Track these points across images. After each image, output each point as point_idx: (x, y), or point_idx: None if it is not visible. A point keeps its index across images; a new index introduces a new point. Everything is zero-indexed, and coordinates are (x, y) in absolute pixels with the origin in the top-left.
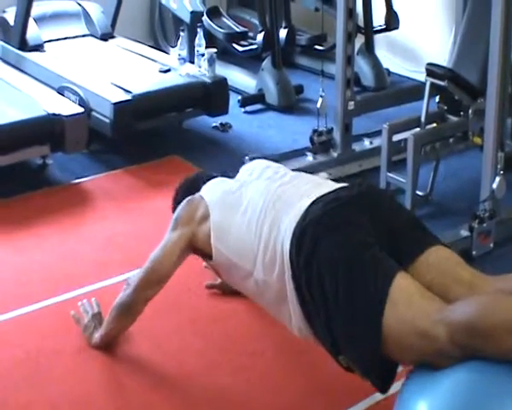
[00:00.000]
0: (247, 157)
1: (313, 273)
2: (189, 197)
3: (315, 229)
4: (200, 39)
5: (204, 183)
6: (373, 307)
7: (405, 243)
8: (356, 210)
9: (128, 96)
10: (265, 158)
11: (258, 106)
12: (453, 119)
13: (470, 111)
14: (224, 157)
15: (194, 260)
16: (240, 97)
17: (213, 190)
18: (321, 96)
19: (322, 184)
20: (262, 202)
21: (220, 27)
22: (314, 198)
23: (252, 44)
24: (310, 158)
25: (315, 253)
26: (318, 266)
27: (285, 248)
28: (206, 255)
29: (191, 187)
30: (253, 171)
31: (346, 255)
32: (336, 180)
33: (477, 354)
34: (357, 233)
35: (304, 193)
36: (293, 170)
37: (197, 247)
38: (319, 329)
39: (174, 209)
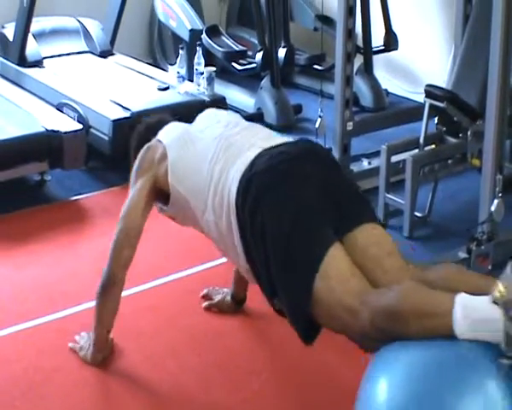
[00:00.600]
0: None
1: (257, 222)
2: (147, 145)
3: (260, 181)
4: (199, 58)
5: (160, 128)
6: (307, 271)
7: (346, 210)
8: (303, 165)
9: (127, 114)
10: None
11: None
12: (452, 140)
13: (469, 133)
14: None
15: (192, 281)
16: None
17: (170, 132)
18: (319, 116)
19: (271, 138)
20: (215, 146)
21: (219, 46)
22: (260, 150)
23: (251, 63)
24: None
25: (259, 204)
26: (262, 217)
27: (231, 195)
28: (165, 199)
29: (146, 135)
30: (210, 117)
31: (289, 212)
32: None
33: (394, 338)
34: (301, 191)
35: (253, 144)
36: None
37: (158, 188)
38: (259, 273)
39: (134, 157)
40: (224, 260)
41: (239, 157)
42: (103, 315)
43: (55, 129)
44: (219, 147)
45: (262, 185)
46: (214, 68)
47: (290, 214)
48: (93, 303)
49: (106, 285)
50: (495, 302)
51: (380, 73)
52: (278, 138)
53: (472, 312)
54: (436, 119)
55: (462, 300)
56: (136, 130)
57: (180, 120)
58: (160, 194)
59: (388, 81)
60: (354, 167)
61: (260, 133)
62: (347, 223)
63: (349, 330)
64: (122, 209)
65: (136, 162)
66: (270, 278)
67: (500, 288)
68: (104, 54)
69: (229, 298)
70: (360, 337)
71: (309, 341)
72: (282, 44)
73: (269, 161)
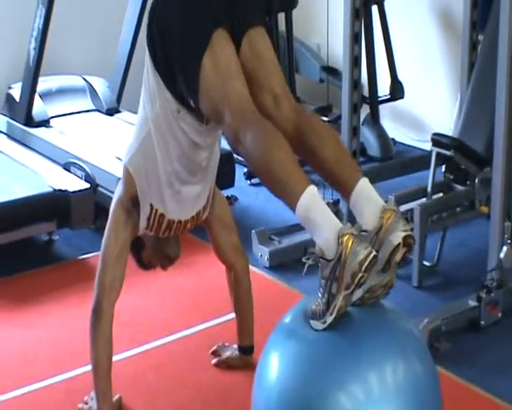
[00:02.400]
0: (253, 231)
1: (156, 13)
2: None
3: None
4: None
5: None
6: (197, 40)
7: (242, 10)
8: None
9: None
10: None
11: None
12: (460, 188)
13: (477, 180)
14: None
15: (201, 337)
16: (245, 170)
17: None
18: None
19: None
20: None
21: None
22: None
23: None
24: None
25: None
26: (162, 2)
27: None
28: (135, 199)
29: None
30: None
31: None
32: None
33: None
34: None
35: None
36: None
37: (128, 199)
38: (166, 75)
39: None
40: (232, 315)
41: None
42: (97, 359)
43: (63, 189)
44: None
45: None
46: None
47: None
48: None
49: (93, 319)
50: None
51: (386, 122)
52: None
53: (311, 211)
54: (443, 167)
55: (310, 194)
56: None
57: None
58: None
59: (395, 130)
60: None
61: None
62: (240, 24)
63: (219, 120)
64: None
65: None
66: (171, 68)
67: (347, 243)
68: (111, 111)
69: (237, 352)
70: (223, 128)
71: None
72: None
73: None
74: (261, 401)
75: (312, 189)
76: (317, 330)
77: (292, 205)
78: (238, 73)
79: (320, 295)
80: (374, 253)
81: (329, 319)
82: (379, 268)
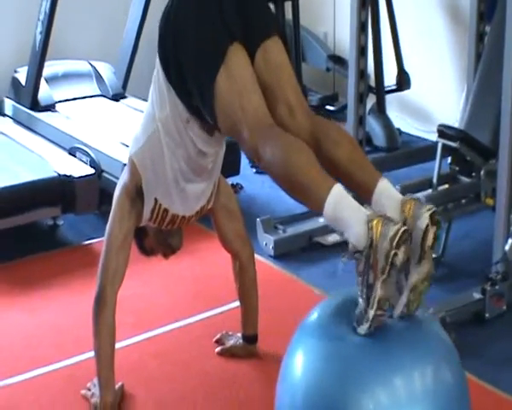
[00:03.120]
0: (258, 219)
1: (169, 25)
2: None
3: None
4: None
5: None
6: (212, 57)
7: (256, 22)
8: None
9: None
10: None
11: None
12: (465, 180)
13: (482, 172)
14: None
15: (204, 325)
16: None
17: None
18: None
19: None
20: None
21: None
22: None
23: None
24: (321, 220)
25: (171, 5)
26: (175, 14)
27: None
28: (140, 189)
29: None
30: None
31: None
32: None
33: None
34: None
35: None
36: (305, 231)
37: (133, 187)
38: (180, 89)
39: None
40: (236, 304)
41: None
42: (100, 346)
43: (68, 174)
44: None
45: (172, 5)
46: None
47: (196, 6)
48: None
49: (96, 307)
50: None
51: (392, 112)
52: None
53: (339, 210)
54: (449, 158)
55: (336, 193)
56: None
57: None
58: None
59: (401, 120)
60: (368, 208)
61: None
62: (255, 36)
63: (237, 136)
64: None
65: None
66: (185, 81)
67: (376, 228)
68: (116, 97)
69: (241, 341)
70: (242, 146)
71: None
72: None
73: None
74: (286, 398)
75: (337, 188)
76: (364, 335)
77: (319, 208)
78: (254, 87)
79: (359, 294)
80: (404, 227)
81: (371, 314)
82: (415, 261)
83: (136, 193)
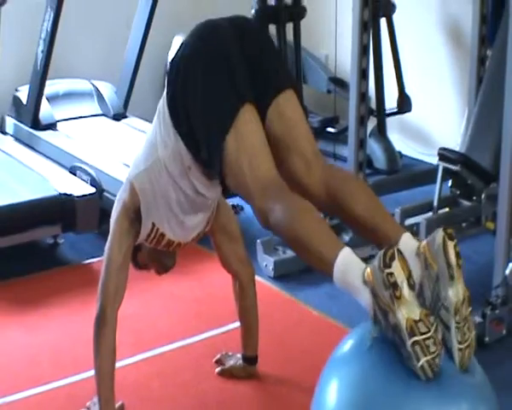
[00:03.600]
0: (258, 241)
1: (179, 77)
2: None
3: (183, 50)
4: None
5: None
6: (222, 119)
7: (266, 78)
8: (226, 29)
9: None
10: None
11: None
12: (466, 203)
13: (483, 196)
14: None
15: (204, 346)
16: None
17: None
18: None
19: None
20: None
21: None
22: None
23: None
24: None
25: (181, 57)
26: (184, 68)
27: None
28: (138, 211)
29: None
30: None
31: (206, 59)
32: None
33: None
34: (221, 45)
35: None
36: None
37: (132, 208)
38: (187, 138)
39: None
40: (236, 324)
41: None
42: (101, 366)
43: (68, 193)
44: None
45: (182, 57)
46: None
47: (205, 64)
48: None
49: (96, 327)
50: (365, 282)
51: (393, 135)
52: None
53: (348, 275)
54: (450, 182)
55: (344, 258)
56: None
57: None
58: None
59: (402, 143)
60: None
61: None
62: (267, 91)
63: (247, 199)
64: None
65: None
66: (193, 133)
67: (369, 277)
68: (117, 117)
69: (241, 362)
70: (252, 210)
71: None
72: None
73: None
74: None
75: (346, 252)
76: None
77: (329, 273)
78: (264, 151)
79: (397, 347)
80: (387, 248)
81: (408, 347)
82: (446, 282)
83: (134, 213)
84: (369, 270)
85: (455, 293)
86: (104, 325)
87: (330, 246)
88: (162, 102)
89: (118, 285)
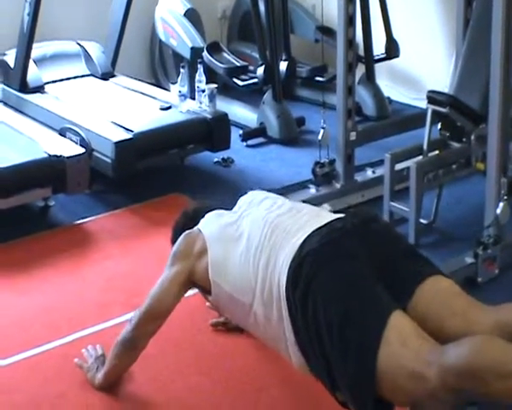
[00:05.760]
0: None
1: (309, 308)
2: (187, 231)
3: (311, 262)
4: (200, 75)
5: (202, 216)
6: (367, 347)
7: (403, 274)
8: (352, 242)
9: (129, 135)
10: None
11: (260, 139)
12: (455, 145)
13: (472, 137)
14: (227, 193)
15: (197, 298)
16: (241, 132)
17: (211, 223)
18: (322, 128)
19: (320, 215)
20: (259, 235)
21: (220, 62)
22: (310, 231)
23: (252, 78)
24: (313, 190)
25: (311, 287)
26: (314, 301)
27: (281, 282)
28: (206, 290)
29: (189, 220)
30: (252, 202)
31: (341, 290)
32: (340, 211)
33: (469, 398)
34: (353, 266)
35: (301, 225)
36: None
37: (196, 282)
38: (316, 366)
39: (173, 243)
40: None
41: (287, 241)
42: (117, 367)
43: (58, 154)
44: (264, 234)
45: (312, 266)
46: (216, 85)
47: (341, 298)
48: (98, 327)
49: (127, 345)
50: None
51: (382, 81)
52: (328, 215)
53: None
54: (439, 124)
55: None
56: (184, 211)
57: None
58: (196, 285)
59: (391, 89)
60: (358, 177)
61: (308, 213)
62: (409, 283)
63: (417, 398)
64: (153, 288)
65: (176, 245)
66: (330, 371)
67: None
68: (106, 76)
69: None
70: (429, 402)
71: None
72: (284, 58)
73: (319, 241)
74: None
75: None
76: None
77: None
78: (418, 331)
79: None
80: None
81: None
82: None
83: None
84: None
85: None
86: (135, 349)
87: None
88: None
89: (157, 327)
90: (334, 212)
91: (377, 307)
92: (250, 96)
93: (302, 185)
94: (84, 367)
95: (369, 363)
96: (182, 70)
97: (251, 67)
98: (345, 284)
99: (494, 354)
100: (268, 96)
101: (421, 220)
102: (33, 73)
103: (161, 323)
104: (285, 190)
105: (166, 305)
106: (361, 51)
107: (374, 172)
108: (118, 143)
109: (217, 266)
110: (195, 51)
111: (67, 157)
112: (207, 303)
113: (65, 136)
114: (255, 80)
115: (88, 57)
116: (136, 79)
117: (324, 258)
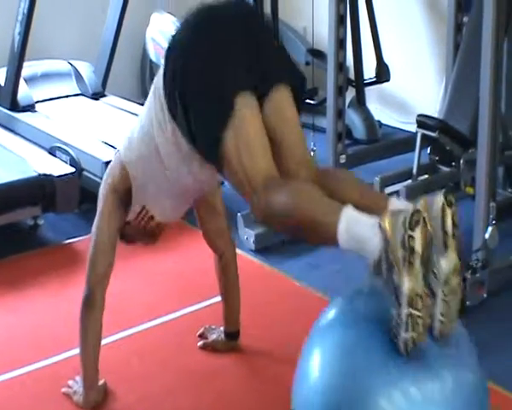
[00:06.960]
0: (239, 214)
1: (179, 59)
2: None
3: (181, 41)
4: None
5: None
6: (221, 109)
7: (267, 70)
8: (231, 26)
9: None
10: None
11: None
12: (445, 169)
13: (462, 161)
14: None
15: (184, 319)
16: None
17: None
18: (312, 151)
19: None
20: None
21: None
22: None
23: None
24: None
25: (177, 57)
26: (183, 58)
27: (159, 84)
28: (128, 191)
29: None
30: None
31: (204, 49)
32: None
33: (279, 228)
34: (221, 32)
35: None
36: None
37: (120, 192)
38: (182, 126)
39: None
40: (218, 298)
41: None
42: (86, 345)
43: (48, 173)
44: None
45: (180, 41)
46: None
47: (205, 52)
48: None
49: (84, 308)
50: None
51: (372, 104)
52: None
53: (353, 227)
54: (429, 148)
55: (347, 214)
56: None
57: None
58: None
59: (381, 112)
60: None
61: None
62: (266, 83)
63: (244, 195)
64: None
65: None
66: (189, 124)
67: (386, 224)
68: (96, 96)
69: (223, 336)
70: (251, 207)
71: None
72: None
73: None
74: (303, 398)
75: (347, 210)
76: (406, 353)
77: (334, 238)
78: (263, 147)
79: (392, 305)
80: (415, 208)
81: (404, 314)
82: (441, 251)
83: (124, 195)
84: (389, 219)
85: (447, 263)
86: (93, 308)
87: (334, 211)
88: (156, 80)
89: (107, 265)
90: None
91: (236, 74)
92: None
93: None
94: (70, 393)
95: (216, 133)
96: None
97: None
98: (212, 47)
99: (310, 203)
100: None
101: None
102: (24, 92)
103: (110, 258)
104: None
105: (106, 232)
106: (351, 75)
107: None
108: (108, 163)
109: (127, 155)
110: None
111: (57, 176)
112: (130, 215)
113: (55, 155)
114: None
115: (79, 77)
116: (126, 99)
117: (192, 31)
